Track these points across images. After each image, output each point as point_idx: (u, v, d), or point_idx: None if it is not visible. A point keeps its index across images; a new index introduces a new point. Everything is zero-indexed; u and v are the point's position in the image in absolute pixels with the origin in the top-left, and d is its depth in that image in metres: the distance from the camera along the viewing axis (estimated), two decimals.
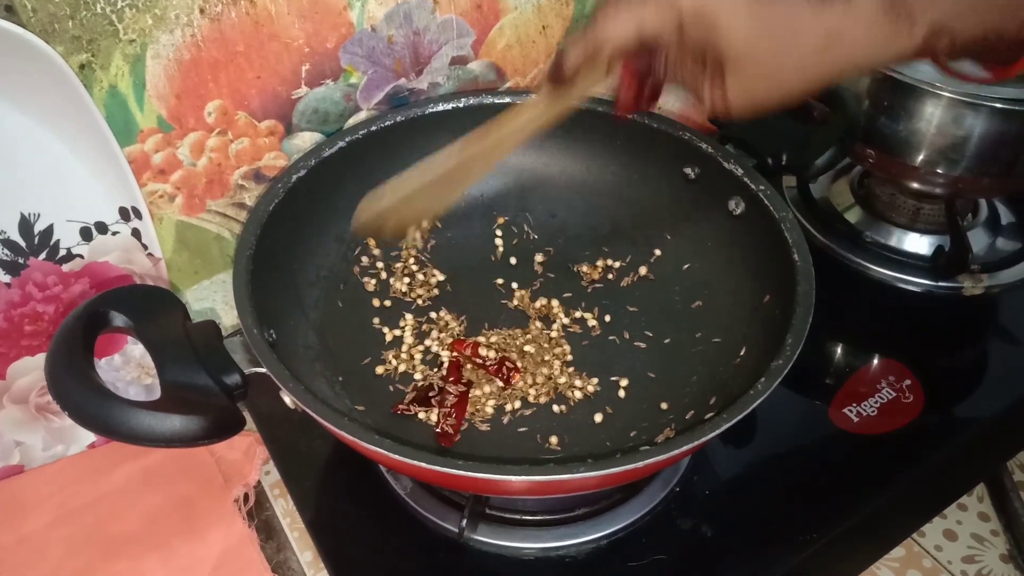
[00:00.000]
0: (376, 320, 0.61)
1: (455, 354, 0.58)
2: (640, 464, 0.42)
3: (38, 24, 0.49)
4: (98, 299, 0.47)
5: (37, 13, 0.48)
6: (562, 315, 0.61)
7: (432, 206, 0.54)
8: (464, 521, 0.51)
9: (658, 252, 0.64)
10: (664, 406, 0.55)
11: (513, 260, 0.66)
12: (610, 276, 0.64)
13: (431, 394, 0.55)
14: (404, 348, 0.59)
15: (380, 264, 0.64)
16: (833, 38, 0.41)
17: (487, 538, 0.53)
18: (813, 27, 0.41)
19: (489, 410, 0.55)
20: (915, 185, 0.68)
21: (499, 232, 0.67)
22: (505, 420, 0.55)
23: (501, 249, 0.66)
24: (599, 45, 0.44)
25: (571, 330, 0.61)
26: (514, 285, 0.64)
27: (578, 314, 0.62)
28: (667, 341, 0.59)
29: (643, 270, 0.64)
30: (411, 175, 0.52)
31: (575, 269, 0.65)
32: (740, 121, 0.45)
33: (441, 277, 0.64)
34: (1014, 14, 0.40)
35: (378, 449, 0.42)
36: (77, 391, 0.41)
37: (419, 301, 0.63)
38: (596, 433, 0.54)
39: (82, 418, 0.41)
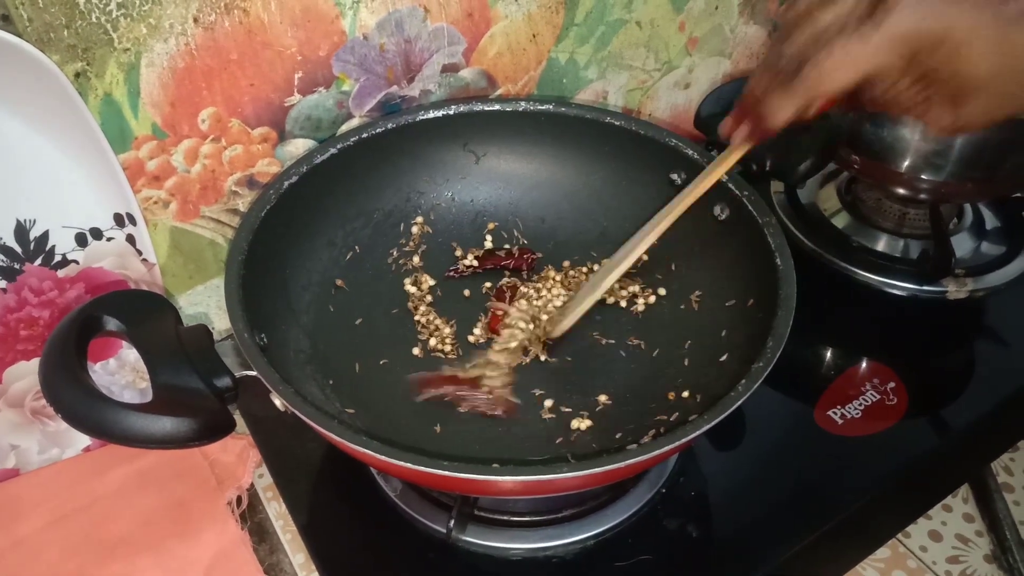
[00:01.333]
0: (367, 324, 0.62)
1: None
2: (623, 464, 0.43)
3: (34, 33, 0.49)
4: (91, 304, 0.47)
5: (33, 22, 0.49)
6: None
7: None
8: (452, 522, 0.52)
9: (645, 257, 0.65)
10: (650, 407, 0.56)
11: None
12: None
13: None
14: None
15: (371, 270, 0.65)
16: None
17: (475, 539, 0.54)
18: None
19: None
20: (900, 190, 0.68)
21: (489, 237, 0.67)
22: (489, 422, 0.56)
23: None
24: (816, 95, 0.43)
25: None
26: None
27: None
28: (653, 343, 0.60)
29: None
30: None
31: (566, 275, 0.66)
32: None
33: (432, 282, 0.65)
34: None
35: (366, 451, 0.43)
36: (70, 394, 0.42)
37: (409, 305, 0.63)
38: (582, 434, 0.55)
39: (75, 420, 0.42)
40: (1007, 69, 0.39)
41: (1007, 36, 0.38)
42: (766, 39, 0.85)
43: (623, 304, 0.63)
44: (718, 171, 0.55)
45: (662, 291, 0.63)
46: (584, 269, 0.66)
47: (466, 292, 0.65)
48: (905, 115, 0.44)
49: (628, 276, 0.65)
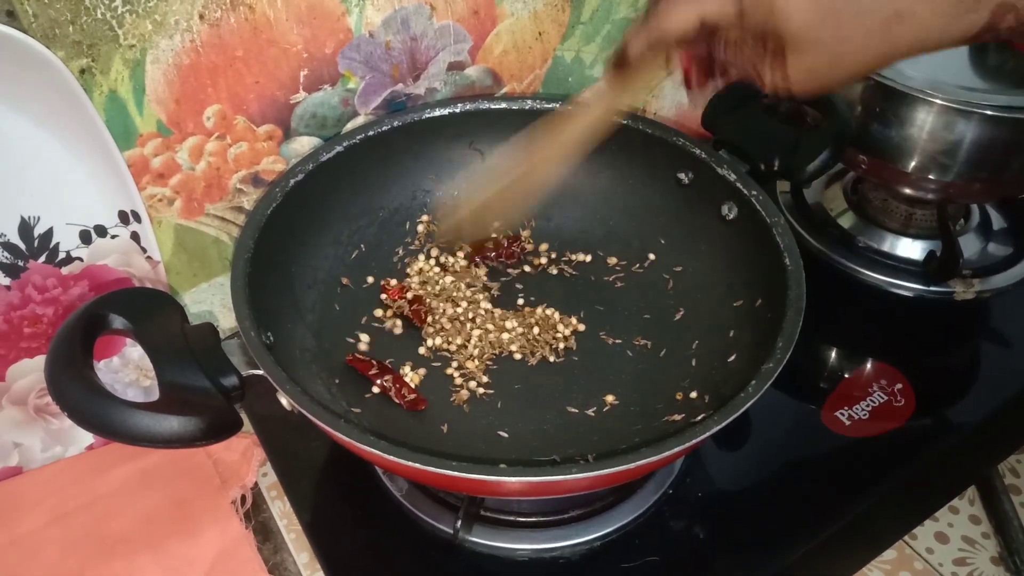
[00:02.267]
0: (374, 323, 0.62)
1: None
2: (632, 466, 0.42)
3: (39, 29, 0.49)
4: (97, 302, 0.47)
5: (38, 18, 0.49)
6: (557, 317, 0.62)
7: (507, 210, 0.57)
8: (459, 522, 0.51)
9: (652, 256, 0.65)
10: (658, 408, 0.56)
11: None
12: (605, 279, 0.65)
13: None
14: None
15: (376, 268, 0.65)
16: (898, 18, 0.40)
17: (482, 539, 0.53)
18: (877, 7, 0.41)
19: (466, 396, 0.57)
20: (907, 190, 0.68)
21: (495, 235, 0.67)
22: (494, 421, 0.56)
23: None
24: (661, 35, 0.46)
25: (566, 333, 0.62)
26: None
27: (572, 318, 0.62)
28: (660, 343, 0.60)
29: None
30: (485, 184, 0.56)
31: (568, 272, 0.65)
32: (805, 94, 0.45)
33: None
34: None
35: (373, 450, 0.43)
36: (76, 392, 0.42)
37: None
38: (589, 435, 0.54)
39: (81, 418, 0.42)
40: (819, 21, 0.41)
41: None
42: None
43: None
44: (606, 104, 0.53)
45: (670, 291, 0.63)
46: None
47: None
48: (745, 74, 0.46)
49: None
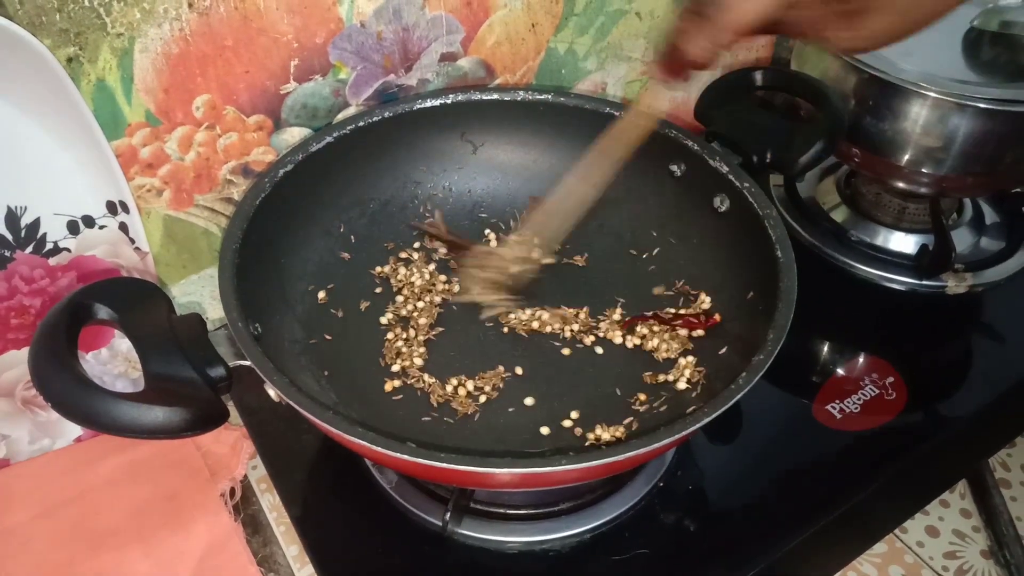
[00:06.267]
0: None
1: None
2: (621, 457, 0.42)
3: (25, 17, 0.49)
4: (82, 291, 0.47)
5: (24, 6, 0.48)
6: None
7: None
8: (448, 515, 0.51)
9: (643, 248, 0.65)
10: (648, 399, 0.55)
11: None
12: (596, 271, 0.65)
13: None
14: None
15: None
16: None
17: (471, 532, 0.53)
18: None
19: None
20: (900, 184, 0.68)
21: (487, 230, 0.67)
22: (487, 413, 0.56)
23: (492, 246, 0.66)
24: (733, 26, 0.43)
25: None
26: None
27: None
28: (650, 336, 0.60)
29: None
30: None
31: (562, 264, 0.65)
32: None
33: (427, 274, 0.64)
34: None
35: (362, 442, 0.42)
36: (60, 382, 0.41)
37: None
38: (578, 426, 0.54)
39: (65, 409, 0.41)
40: None
41: None
42: None
43: None
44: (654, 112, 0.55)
45: (661, 283, 0.63)
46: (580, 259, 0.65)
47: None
48: (804, 38, 0.45)
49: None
